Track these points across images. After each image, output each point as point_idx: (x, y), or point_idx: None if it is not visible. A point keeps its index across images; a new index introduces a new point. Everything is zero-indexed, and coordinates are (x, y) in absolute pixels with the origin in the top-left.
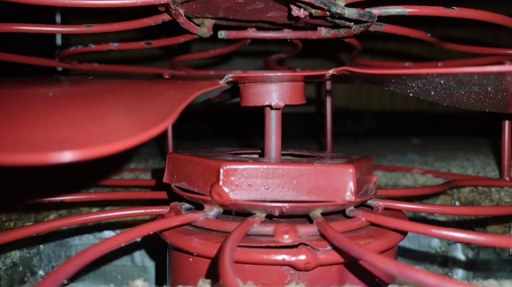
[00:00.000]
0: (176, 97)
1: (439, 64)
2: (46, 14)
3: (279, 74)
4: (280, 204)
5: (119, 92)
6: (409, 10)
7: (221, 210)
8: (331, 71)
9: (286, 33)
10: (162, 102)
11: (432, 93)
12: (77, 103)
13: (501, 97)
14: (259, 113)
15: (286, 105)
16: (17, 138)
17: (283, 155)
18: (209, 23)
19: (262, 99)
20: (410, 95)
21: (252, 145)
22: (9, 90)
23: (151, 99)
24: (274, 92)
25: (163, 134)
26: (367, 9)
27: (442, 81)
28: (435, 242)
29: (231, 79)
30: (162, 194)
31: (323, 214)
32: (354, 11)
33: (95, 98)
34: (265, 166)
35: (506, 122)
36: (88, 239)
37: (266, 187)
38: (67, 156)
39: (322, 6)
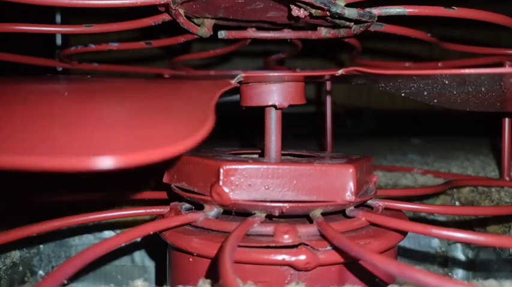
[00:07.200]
0: (203, 98)
1: (439, 64)
2: (46, 14)
3: (291, 74)
4: (280, 204)
5: (148, 93)
6: (409, 10)
7: (221, 210)
8: (340, 71)
9: (286, 33)
10: (193, 103)
11: (425, 93)
12: (110, 103)
13: (495, 96)
14: (259, 113)
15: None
16: (46, 140)
17: (283, 155)
18: (209, 23)
19: (266, 99)
20: (402, 95)
21: (252, 145)
22: (36, 87)
23: (183, 100)
24: (278, 92)
25: None
26: (367, 9)
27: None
28: (435, 242)
29: (242, 79)
30: (162, 194)
31: (323, 214)
32: (354, 11)
33: (127, 98)
34: (265, 166)
35: (506, 120)
36: (88, 239)
37: (266, 187)
38: (106, 162)
39: (322, 6)
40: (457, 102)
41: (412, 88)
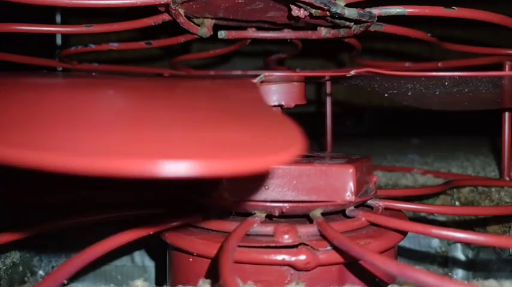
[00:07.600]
0: (254, 98)
1: (439, 64)
2: (46, 14)
3: (304, 74)
4: (280, 204)
5: (190, 92)
6: (409, 10)
7: (221, 210)
8: (352, 72)
9: (286, 33)
10: (255, 105)
11: (409, 93)
12: (161, 101)
13: (472, 96)
14: None
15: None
16: (101, 139)
17: None
18: (209, 23)
19: (272, 99)
20: (386, 95)
21: None
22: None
23: (244, 103)
24: (285, 92)
25: None
26: (367, 9)
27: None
28: (435, 242)
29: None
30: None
31: (323, 214)
32: (354, 11)
33: (177, 97)
34: None
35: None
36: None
37: (266, 187)
38: (181, 169)
39: (322, 6)
40: (434, 102)
41: (403, 89)
